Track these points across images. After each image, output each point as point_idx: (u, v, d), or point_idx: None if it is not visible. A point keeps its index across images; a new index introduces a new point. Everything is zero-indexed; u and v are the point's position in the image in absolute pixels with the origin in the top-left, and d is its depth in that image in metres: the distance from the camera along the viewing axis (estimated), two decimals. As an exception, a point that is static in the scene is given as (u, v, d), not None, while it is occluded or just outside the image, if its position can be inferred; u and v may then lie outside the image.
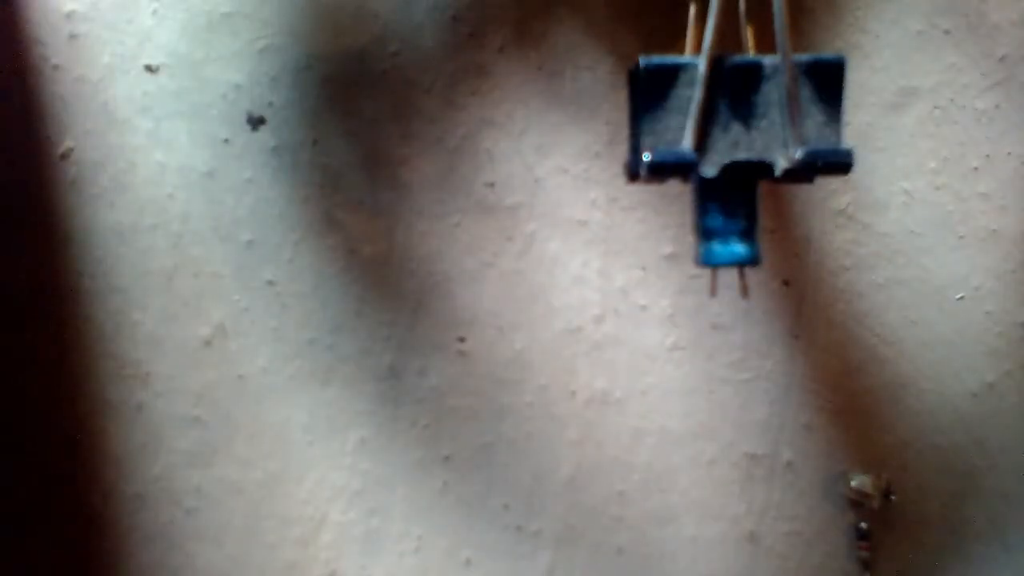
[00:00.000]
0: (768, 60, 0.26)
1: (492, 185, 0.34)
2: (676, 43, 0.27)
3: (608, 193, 0.34)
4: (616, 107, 0.34)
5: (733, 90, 0.26)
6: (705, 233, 0.27)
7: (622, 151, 0.34)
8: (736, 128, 0.26)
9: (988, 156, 0.34)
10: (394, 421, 0.35)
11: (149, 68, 0.33)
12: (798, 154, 0.25)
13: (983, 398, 0.35)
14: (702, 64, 0.25)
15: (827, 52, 0.28)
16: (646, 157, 0.25)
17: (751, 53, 0.27)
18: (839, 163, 0.25)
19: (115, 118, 0.33)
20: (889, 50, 0.34)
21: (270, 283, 0.34)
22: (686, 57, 0.26)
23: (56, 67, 0.33)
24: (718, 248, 0.26)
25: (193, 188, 0.33)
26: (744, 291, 0.28)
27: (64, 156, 0.33)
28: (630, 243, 0.35)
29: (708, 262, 0.27)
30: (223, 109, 0.33)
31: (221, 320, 0.34)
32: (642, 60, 0.26)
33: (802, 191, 0.34)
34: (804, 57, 0.26)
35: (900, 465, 0.36)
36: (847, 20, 0.34)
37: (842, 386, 0.35)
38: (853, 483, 0.35)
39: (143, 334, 0.34)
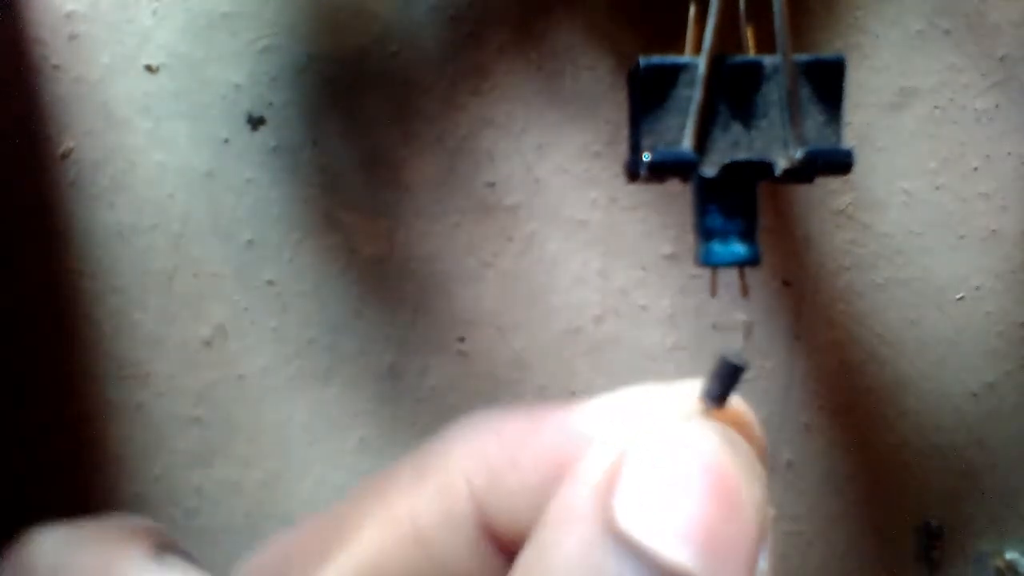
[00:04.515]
0: (768, 60, 0.26)
1: (492, 185, 0.34)
2: (676, 43, 0.27)
3: (608, 193, 0.34)
4: (616, 107, 0.34)
5: (733, 90, 0.26)
6: (705, 233, 0.27)
7: (622, 151, 0.34)
8: (736, 128, 0.26)
9: (988, 156, 0.34)
10: (394, 421, 0.35)
11: (149, 68, 0.33)
12: (798, 154, 0.25)
13: (983, 398, 0.35)
14: (702, 64, 0.25)
15: (827, 52, 0.28)
16: (646, 157, 0.25)
17: (751, 53, 0.27)
18: (839, 163, 0.25)
19: (115, 118, 0.33)
20: (889, 50, 0.34)
21: (270, 283, 0.34)
22: (686, 57, 0.26)
23: (56, 67, 0.33)
24: (718, 248, 0.26)
25: (193, 188, 0.33)
26: (744, 291, 0.28)
27: (64, 156, 0.33)
28: (630, 243, 0.35)
29: (708, 262, 0.26)
30: (223, 109, 0.33)
31: (221, 320, 0.34)
32: (642, 60, 0.26)
33: (802, 191, 0.34)
34: (804, 57, 0.26)
35: (900, 465, 0.36)
36: (847, 20, 0.34)
37: (842, 386, 0.35)
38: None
39: (143, 334, 0.34)
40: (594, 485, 0.12)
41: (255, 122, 0.33)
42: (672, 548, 0.11)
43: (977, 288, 0.35)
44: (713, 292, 0.29)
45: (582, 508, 0.12)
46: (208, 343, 0.34)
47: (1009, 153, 0.34)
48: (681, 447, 0.13)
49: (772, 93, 0.26)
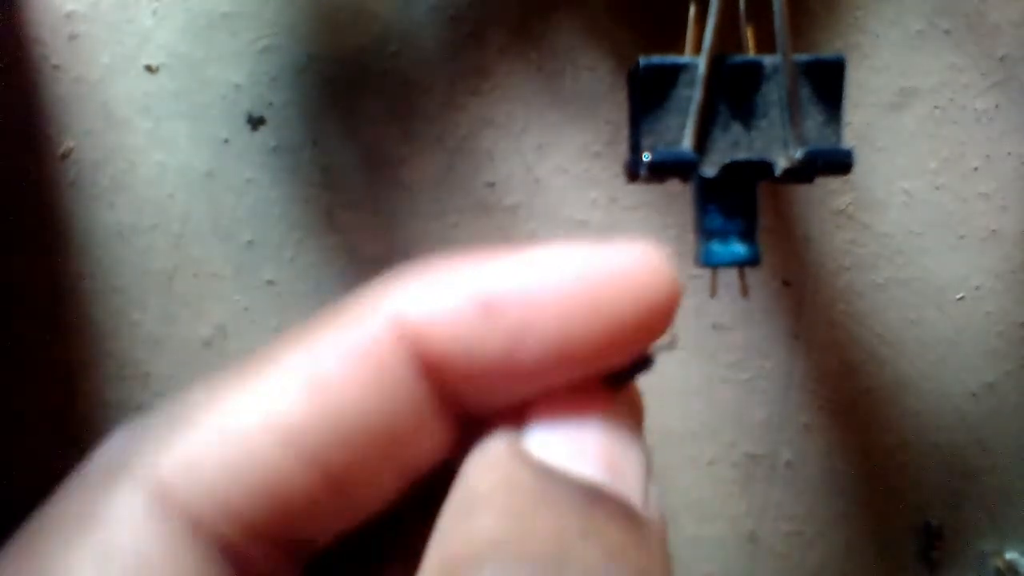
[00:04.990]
0: (768, 60, 0.26)
1: (492, 185, 0.34)
2: (676, 43, 0.27)
3: (608, 193, 0.34)
4: (616, 107, 0.34)
5: (733, 90, 0.26)
6: (705, 233, 0.27)
7: (622, 151, 0.34)
8: (736, 128, 0.26)
9: (988, 156, 0.34)
10: (394, 421, 0.35)
11: (149, 68, 0.33)
12: (798, 154, 0.25)
13: (983, 398, 0.36)
14: (702, 64, 0.25)
15: (827, 52, 0.28)
16: (646, 157, 0.25)
17: (751, 53, 0.27)
18: (839, 163, 0.25)
19: (115, 118, 0.33)
20: (889, 50, 0.34)
21: (270, 283, 0.34)
22: (686, 57, 0.26)
23: (56, 67, 0.33)
24: (718, 248, 0.26)
25: (193, 188, 0.33)
26: (744, 291, 0.28)
27: (64, 156, 0.33)
28: (630, 243, 0.34)
29: (708, 262, 0.27)
30: (223, 109, 0.33)
31: (221, 320, 0.34)
32: (642, 60, 0.26)
33: (802, 191, 0.34)
34: (804, 57, 0.26)
35: (900, 465, 0.36)
36: (847, 20, 0.34)
37: (842, 386, 0.36)
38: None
39: (143, 334, 0.34)
40: (507, 437, 0.15)
41: (255, 122, 0.33)
42: (580, 467, 0.14)
43: (977, 288, 0.35)
44: (713, 292, 0.29)
45: (499, 452, 0.15)
46: (208, 343, 0.34)
47: (1009, 153, 0.34)
48: (579, 404, 0.15)
49: (772, 93, 0.26)
